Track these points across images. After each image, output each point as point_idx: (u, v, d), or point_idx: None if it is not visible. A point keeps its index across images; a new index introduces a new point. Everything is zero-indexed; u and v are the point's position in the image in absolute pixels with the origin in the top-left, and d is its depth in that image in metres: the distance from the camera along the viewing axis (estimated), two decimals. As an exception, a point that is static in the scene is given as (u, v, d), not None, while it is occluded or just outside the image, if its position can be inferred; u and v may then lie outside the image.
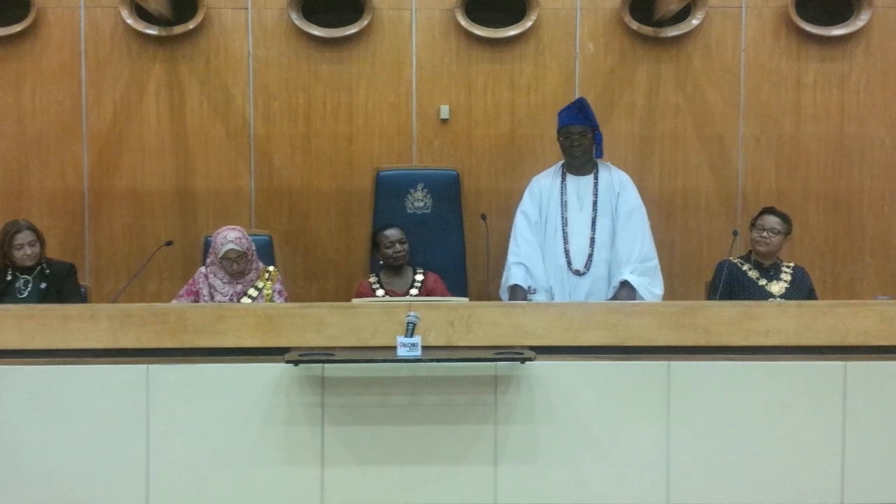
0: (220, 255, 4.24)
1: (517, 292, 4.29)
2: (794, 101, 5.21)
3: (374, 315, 3.54)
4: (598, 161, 4.46)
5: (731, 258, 4.42)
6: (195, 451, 3.48)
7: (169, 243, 4.56)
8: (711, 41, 5.18)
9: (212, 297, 4.26)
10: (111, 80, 5.12)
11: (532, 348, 3.47)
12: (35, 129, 5.13)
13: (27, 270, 4.28)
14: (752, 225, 4.45)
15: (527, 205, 4.42)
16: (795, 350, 3.56)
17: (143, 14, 5.07)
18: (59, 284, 4.31)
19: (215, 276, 4.29)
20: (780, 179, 5.22)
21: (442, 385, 3.51)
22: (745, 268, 4.40)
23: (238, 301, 4.24)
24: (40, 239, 4.31)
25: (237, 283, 4.28)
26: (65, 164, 5.14)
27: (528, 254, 4.34)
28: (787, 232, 4.41)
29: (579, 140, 4.36)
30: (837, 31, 5.16)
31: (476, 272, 4.94)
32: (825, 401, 3.53)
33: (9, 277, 4.27)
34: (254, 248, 4.35)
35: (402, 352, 3.33)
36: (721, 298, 4.19)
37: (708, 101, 5.19)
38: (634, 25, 5.11)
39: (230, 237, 4.24)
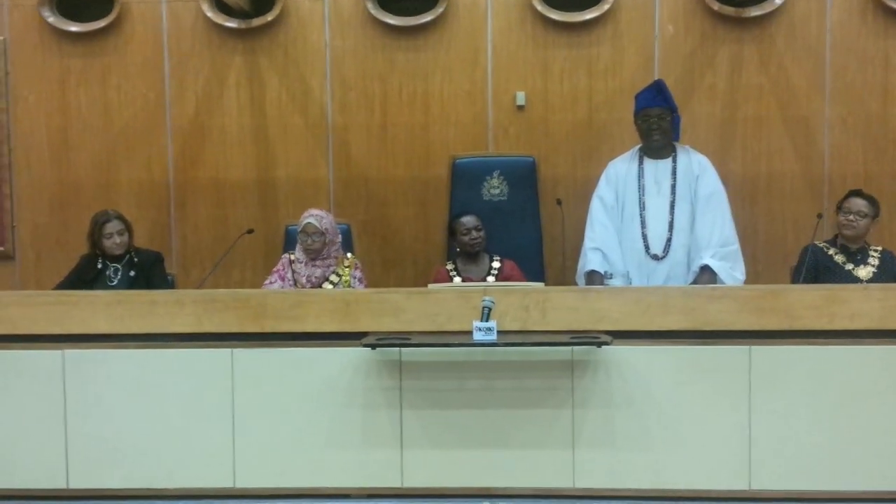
0: (299, 230, 4.35)
1: (594, 278, 4.26)
2: (881, 81, 5.04)
3: (450, 300, 3.57)
4: (677, 144, 4.39)
5: (816, 242, 4.31)
6: (278, 431, 3.57)
7: (250, 231, 4.67)
8: (796, 21, 5.03)
9: (295, 282, 4.35)
10: (193, 74, 5.24)
11: (609, 333, 3.46)
12: (121, 122, 5.28)
13: (117, 259, 4.42)
14: (839, 208, 4.33)
15: (603, 190, 4.37)
16: (881, 334, 3.48)
17: (222, 7, 5.17)
18: (148, 272, 4.43)
19: (298, 259, 4.40)
20: (867, 162, 5.07)
21: (518, 369, 3.52)
22: (830, 252, 4.29)
23: (319, 285, 4.32)
24: (128, 228, 4.45)
25: (315, 266, 4.36)
26: (151, 157, 5.29)
27: (604, 239, 4.30)
28: (875, 215, 4.28)
29: (658, 123, 4.30)
30: (927, 8, 4.98)
31: (553, 258, 4.92)
32: (913, 386, 3.44)
33: (99, 265, 4.42)
34: (338, 233, 4.44)
35: (477, 336, 3.35)
36: (806, 283, 4.10)
37: (792, 82, 5.06)
38: (716, 6, 5.00)
39: (312, 212, 4.39)
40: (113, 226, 4.39)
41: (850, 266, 4.24)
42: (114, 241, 4.38)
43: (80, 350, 3.63)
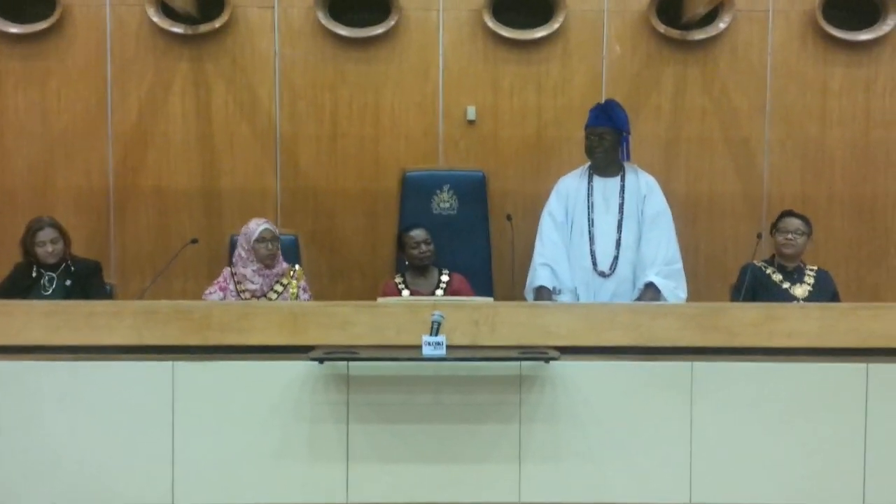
0: (254, 238, 4.29)
1: (542, 293, 4.28)
2: (819, 105, 5.19)
3: (399, 314, 3.55)
4: (626, 164, 4.45)
5: (755, 261, 4.40)
6: (220, 447, 3.50)
7: (194, 241, 4.57)
8: (738, 45, 5.17)
9: (238, 294, 4.28)
10: (137, 79, 5.14)
11: (556, 348, 3.47)
12: (60, 127, 5.15)
13: (52, 268, 4.30)
14: (775, 228, 4.44)
15: (553, 206, 4.40)
16: (818, 352, 3.55)
17: (169, 12, 5.09)
18: (85, 282, 4.32)
19: (245, 267, 4.32)
20: (805, 183, 5.21)
21: (466, 384, 3.51)
22: (768, 271, 4.39)
23: (265, 295, 4.26)
24: (64, 236, 4.33)
25: (266, 275, 4.32)
26: (90, 163, 5.16)
27: (553, 255, 4.33)
28: (810, 233, 4.41)
29: (598, 142, 4.36)
30: (864, 35, 5.15)
31: (502, 273, 4.93)
32: (847, 402, 3.53)
33: (34, 274, 4.29)
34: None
35: (426, 351, 3.33)
36: (745, 301, 4.18)
37: (734, 104, 5.18)
38: (662, 28, 5.10)
39: (261, 221, 4.34)
40: (46, 234, 4.27)
41: (787, 285, 4.35)
42: (46, 250, 4.26)
43: (13, 361, 3.50)
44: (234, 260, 4.41)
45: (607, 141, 4.36)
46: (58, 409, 3.50)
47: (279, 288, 4.32)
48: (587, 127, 4.41)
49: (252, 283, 4.31)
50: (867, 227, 5.21)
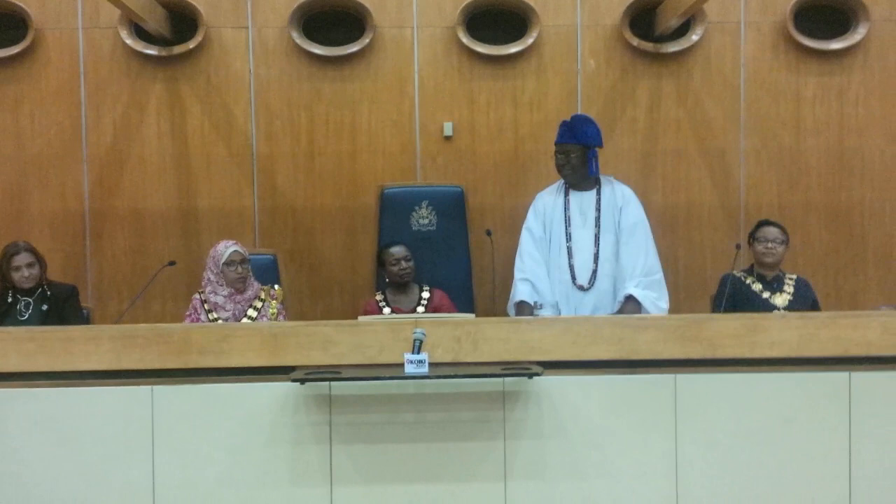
0: (223, 261, 4.23)
1: (523, 308, 4.29)
2: (793, 114, 5.23)
3: (381, 332, 3.53)
4: (602, 176, 4.47)
5: (734, 272, 4.42)
6: (201, 472, 3.45)
7: (172, 263, 4.53)
8: (711, 56, 5.21)
9: (210, 320, 4.24)
10: (111, 101, 5.11)
11: (539, 363, 3.46)
12: (34, 150, 5.11)
13: (28, 293, 4.26)
14: (753, 238, 4.46)
15: (531, 222, 4.42)
16: (799, 361, 3.56)
17: (142, 34, 5.07)
18: (61, 306, 4.29)
19: (216, 293, 4.27)
20: (781, 192, 5.24)
21: (449, 401, 3.49)
22: (748, 281, 4.41)
23: (239, 320, 4.22)
24: (40, 261, 4.29)
25: (238, 301, 4.27)
26: (65, 186, 5.12)
27: (533, 270, 4.34)
28: (787, 241, 4.44)
29: (565, 159, 4.39)
30: (835, 44, 5.20)
31: (482, 288, 4.93)
32: (830, 411, 3.54)
33: (10, 300, 4.25)
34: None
35: (409, 369, 3.32)
36: (725, 311, 4.21)
37: (709, 115, 5.21)
38: (635, 42, 5.14)
39: (229, 243, 4.28)
40: (22, 258, 4.23)
41: (766, 294, 4.37)
42: (22, 274, 4.22)
43: (-11, 389, 3.45)
44: (203, 285, 4.35)
45: (574, 157, 4.38)
46: (34, 438, 3.45)
47: (253, 313, 4.27)
48: (555, 144, 4.45)
49: (224, 309, 4.25)
50: (844, 234, 5.25)
